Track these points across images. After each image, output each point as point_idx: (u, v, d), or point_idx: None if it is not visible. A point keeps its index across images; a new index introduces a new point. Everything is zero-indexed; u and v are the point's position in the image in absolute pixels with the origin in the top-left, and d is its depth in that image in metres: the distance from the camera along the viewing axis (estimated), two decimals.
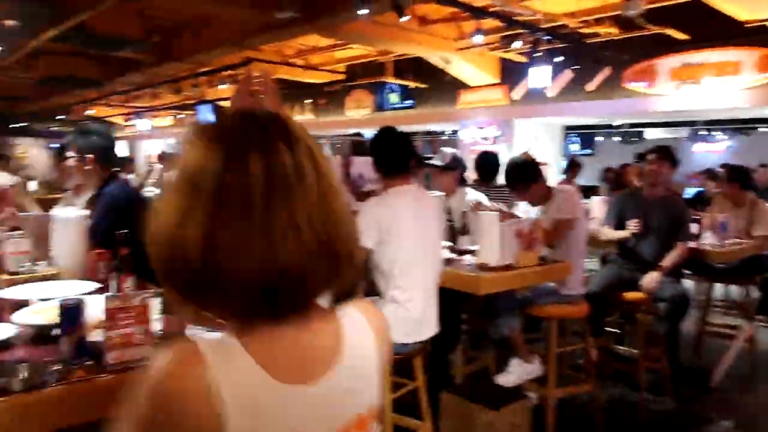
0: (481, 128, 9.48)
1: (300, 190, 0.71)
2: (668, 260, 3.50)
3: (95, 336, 1.38)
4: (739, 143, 12.18)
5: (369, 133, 9.05)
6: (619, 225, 3.74)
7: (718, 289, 5.11)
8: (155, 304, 1.50)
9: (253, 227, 0.68)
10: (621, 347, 3.96)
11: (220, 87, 9.37)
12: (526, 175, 3.26)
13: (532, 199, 3.31)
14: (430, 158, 3.91)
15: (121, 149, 16.40)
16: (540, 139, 9.26)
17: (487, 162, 4.15)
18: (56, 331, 1.37)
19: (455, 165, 3.67)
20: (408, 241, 2.37)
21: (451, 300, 2.97)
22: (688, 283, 5.28)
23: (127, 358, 1.32)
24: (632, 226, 3.61)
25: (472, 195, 3.64)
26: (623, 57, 7.16)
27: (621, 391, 3.71)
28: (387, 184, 2.48)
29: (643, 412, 3.41)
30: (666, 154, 3.66)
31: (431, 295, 2.49)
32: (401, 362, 2.56)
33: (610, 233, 3.78)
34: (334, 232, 0.73)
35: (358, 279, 2.44)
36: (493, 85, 9.16)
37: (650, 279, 3.45)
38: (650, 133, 11.69)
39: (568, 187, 3.46)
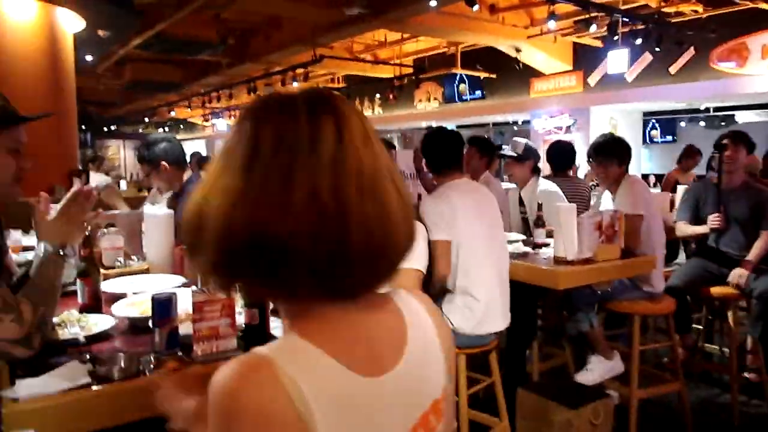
0: (554, 117, 9.21)
1: (309, 161, 0.66)
2: (754, 253, 3.26)
3: (184, 328, 1.45)
4: None
5: (441, 125, 8.98)
6: (695, 218, 3.53)
7: None
8: (239, 298, 1.56)
9: (246, 188, 0.67)
10: (711, 345, 3.74)
11: (294, 85, 9.61)
12: (612, 151, 3.15)
13: (607, 178, 3.19)
14: (502, 149, 3.84)
15: (200, 149, 17.19)
16: (618, 126, 8.88)
17: (560, 152, 4.01)
18: (150, 323, 1.45)
19: (528, 155, 3.59)
20: (468, 232, 2.40)
21: (527, 294, 2.92)
22: None
23: (213, 349, 1.38)
24: (712, 220, 3.38)
25: (545, 185, 3.55)
26: (710, 36, 6.72)
27: (711, 392, 3.51)
28: (440, 181, 2.55)
29: (737, 416, 3.21)
30: (741, 138, 3.42)
31: (500, 285, 2.47)
32: (477, 357, 2.54)
33: (687, 229, 3.56)
34: (345, 213, 0.66)
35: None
36: (567, 72, 8.87)
37: (737, 275, 3.23)
38: (742, 116, 10.89)
39: (635, 177, 3.27)
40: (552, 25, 6.36)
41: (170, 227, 2.28)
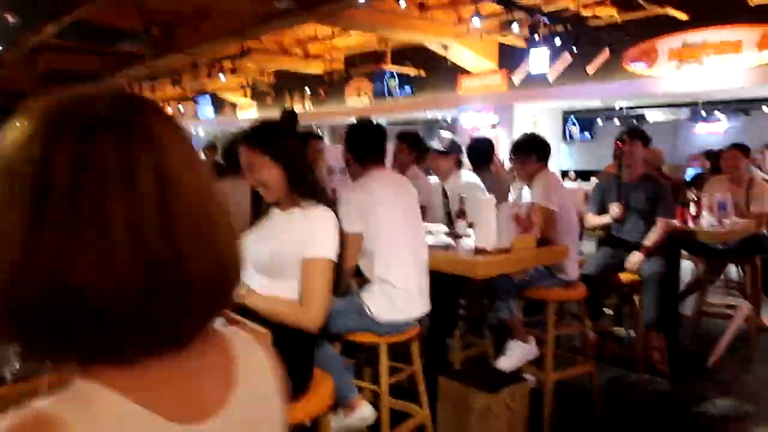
0: (480, 113, 9.47)
1: (127, 200, 0.54)
2: (649, 239, 3.52)
3: None
4: (741, 123, 12.11)
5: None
6: (603, 210, 3.79)
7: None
8: None
9: (43, 233, 0.52)
10: (620, 329, 3.98)
11: (221, 78, 9.37)
12: (531, 148, 3.32)
13: (525, 173, 3.35)
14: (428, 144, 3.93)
15: None
16: (539, 123, 9.24)
17: (478, 148, 4.16)
18: None
19: (453, 149, 3.69)
20: (388, 222, 2.45)
21: (448, 285, 3.00)
22: (687, 264, 5.30)
23: None
24: (613, 210, 3.65)
25: (467, 177, 3.66)
26: (623, 38, 7.12)
27: (619, 372, 3.73)
28: (362, 172, 2.59)
29: (641, 394, 3.44)
30: (636, 134, 3.73)
31: (418, 272, 2.53)
32: (398, 346, 2.59)
33: (594, 220, 3.85)
34: (182, 259, 0.57)
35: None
36: (493, 70, 9.12)
37: (633, 260, 3.48)
38: (651, 115, 11.62)
39: (550, 173, 3.44)
40: (476, 23, 6.51)
41: None
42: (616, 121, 12.17)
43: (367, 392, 2.65)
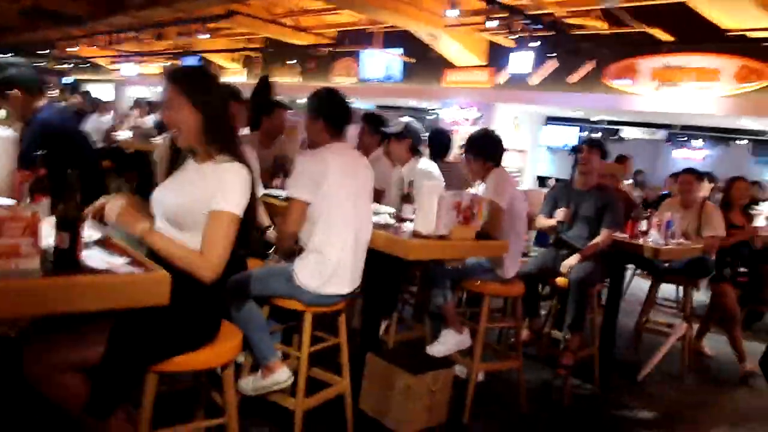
0: (463, 108, 9.47)
1: None
2: (590, 245, 3.58)
3: None
4: (718, 153, 12.37)
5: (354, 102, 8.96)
6: (552, 214, 3.85)
7: (669, 289, 5.23)
8: (51, 220, 1.51)
9: None
10: (556, 332, 4.05)
11: (201, 37, 9.20)
12: (478, 146, 3.32)
13: (472, 171, 3.36)
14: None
15: (105, 92, 16.12)
16: (520, 126, 9.29)
17: (438, 139, 4.18)
18: None
19: (406, 134, 3.67)
20: (336, 195, 2.44)
21: (390, 266, 3.01)
22: (640, 283, 5.40)
23: (9, 267, 1.34)
24: (558, 214, 3.73)
25: (424, 165, 3.66)
26: (604, 52, 7.18)
27: (550, 373, 3.80)
28: (326, 141, 2.55)
29: (568, 396, 3.50)
30: (596, 144, 3.78)
31: (355, 250, 2.53)
32: (327, 317, 2.61)
33: (543, 221, 3.93)
34: None
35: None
36: (480, 66, 9.12)
37: (567, 262, 3.55)
38: (628, 132, 11.78)
39: (504, 171, 3.43)
40: (453, 14, 6.48)
41: (11, 150, 2.15)
42: (596, 134, 12.31)
43: (293, 359, 2.67)
